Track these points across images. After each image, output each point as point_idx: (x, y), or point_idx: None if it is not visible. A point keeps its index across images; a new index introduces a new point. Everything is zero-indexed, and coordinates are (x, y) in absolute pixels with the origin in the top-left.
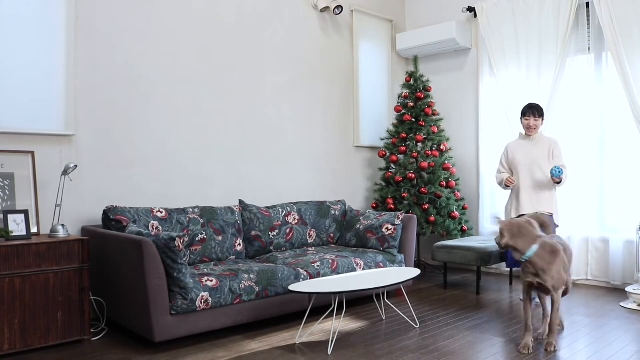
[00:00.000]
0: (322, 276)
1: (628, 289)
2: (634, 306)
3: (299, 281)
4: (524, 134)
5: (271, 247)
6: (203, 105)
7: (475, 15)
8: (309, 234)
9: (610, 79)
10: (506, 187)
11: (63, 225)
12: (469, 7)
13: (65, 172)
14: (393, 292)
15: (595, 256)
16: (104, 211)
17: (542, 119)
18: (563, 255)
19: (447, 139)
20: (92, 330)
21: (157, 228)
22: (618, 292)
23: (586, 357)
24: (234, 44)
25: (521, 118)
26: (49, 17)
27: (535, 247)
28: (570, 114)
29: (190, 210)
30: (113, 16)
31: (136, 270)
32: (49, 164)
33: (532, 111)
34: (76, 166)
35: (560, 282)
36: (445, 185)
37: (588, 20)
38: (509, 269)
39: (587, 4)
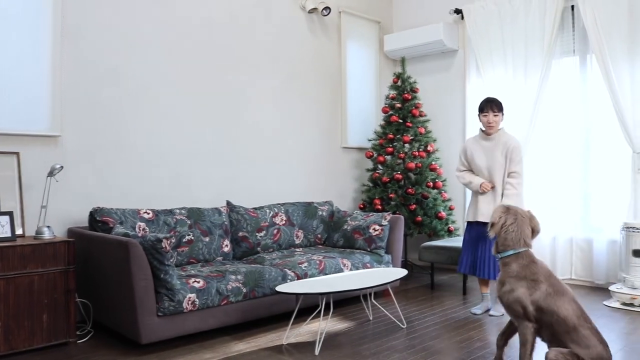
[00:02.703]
0: (310, 277)
1: (612, 287)
2: (618, 305)
3: (287, 282)
4: (483, 130)
5: (258, 248)
6: (190, 106)
7: (462, 17)
8: (297, 234)
9: (595, 81)
10: (482, 192)
11: (48, 227)
12: (456, 9)
13: (51, 173)
14: (380, 292)
15: (579, 256)
16: (90, 212)
17: (502, 114)
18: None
19: (434, 140)
20: (78, 333)
21: (143, 229)
22: (602, 291)
23: None
24: (222, 45)
25: (479, 114)
26: (34, 17)
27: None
28: (555, 115)
29: (177, 211)
30: (100, 17)
31: (123, 272)
32: (34, 165)
33: (490, 105)
34: (62, 167)
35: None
36: (432, 186)
37: (573, 23)
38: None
39: (572, 7)
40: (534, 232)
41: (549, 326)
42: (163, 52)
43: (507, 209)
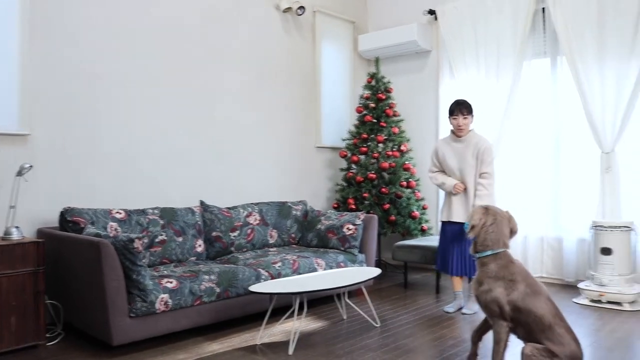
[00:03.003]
0: (283, 276)
1: (580, 285)
2: (586, 302)
3: (260, 282)
4: (454, 132)
5: (232, 248)
6: (163, 105)
7: (436, 18)
8: (270, 234)
9: (565, 83)
10: (455, 193)
11: (17, 227)
12: (429, 9)
13: (19, 173)
14: (354, 291)
15: (550, 254)
16: (61, 212)
17: (472, 116)
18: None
19: (408, 140)
20: (47, 335)
21: (115, 229)
22: (571, 288)
23: None
24: (196, 43)
25: (449, 117)
26: (1, 12)
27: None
28: (526, 116)
29: (150, 211)
30: (70, 12)
31: (94, 273)
32: (2, 164)
33: (460, 108)
34: (31, 166)
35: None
36: (405, 185)
37: (544, 25)
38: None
39: (543, 9)
40: (512, 232)
41: (525, 325)
42: (135, 49)
43: (487, 210)
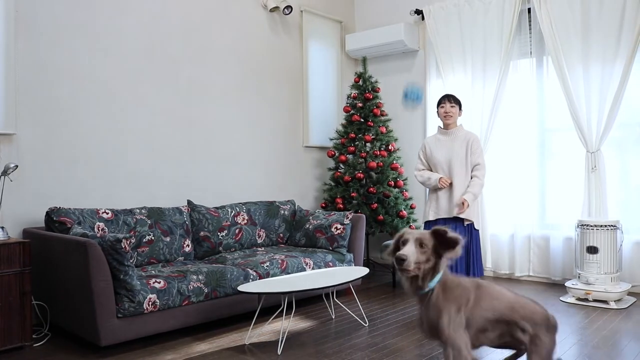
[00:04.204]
0: (272, 276)
1: (567, 283)
2: (573, 300)
3: (248, 281)
4: (442, 127)
5: (220, 248)
6: (149, 104)
7: (423, 18)
8: (258, 234)
9: (551, 82)
10: (440, 187)
11: (2, 228)
12: (416, 9)
13: (4, 172)
14: (342, 291)
15: (537, 253)
16: (47, 212)
17: (459, 108)
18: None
19: (396, 139)
20: (34, 336)
21: (102, 229)
22: (558, 287)
23: None
24: (182, 42)
25: (437, 109)
26: None
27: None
28: (513, 116)
29: (137, 211)
30: (55, 11)
31: (81, 273)
32: None
33: (447, 97)
34: (17, 166)
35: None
36: (393, 184)
37: (530, 25)
38: None
39: (529, 9)
40: (445, 243)
41: (495, 326)
42: (120, 49)
43: (415, 241)
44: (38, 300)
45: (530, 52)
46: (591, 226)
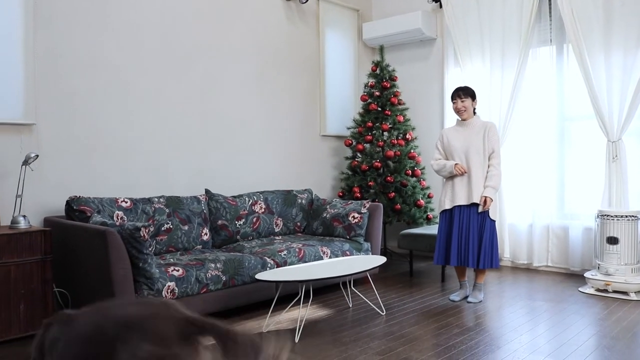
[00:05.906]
0: (289, 265)
1: (586, 274)
2: (592, 291)
3: (266, 270)
4: (459, 119)
5: (238, 236)
6: (167, 94)
7: (441, 6)
8: (276, 222)
9: (571, 70)
10: (456, 174)
11: (24, 217)
12: None
13: (25, 162)
14: (360, 279)
15: (555, 243)
16: (67, 201)
17: (473, 100)
18: None
19: (413, 128)
20: None
21: (121, 218)
22: (577, 277)
23: (546, 341)
24: (199, 32)
25: (452, 105)
26: (4, 4)
27: None
28: (532, 104)
29: (156, 199)
30: (73, 2)
31: (101, 261)
32: (8, 153)
33: (457, 93)
34: (37, 156)
35: None
36: (410, 174)
37: (550, 12)
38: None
39: None
40: None
41: None
42: (138, 40)
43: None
44: (59, 288)
45: (550, 40)
46: (612, 216)
